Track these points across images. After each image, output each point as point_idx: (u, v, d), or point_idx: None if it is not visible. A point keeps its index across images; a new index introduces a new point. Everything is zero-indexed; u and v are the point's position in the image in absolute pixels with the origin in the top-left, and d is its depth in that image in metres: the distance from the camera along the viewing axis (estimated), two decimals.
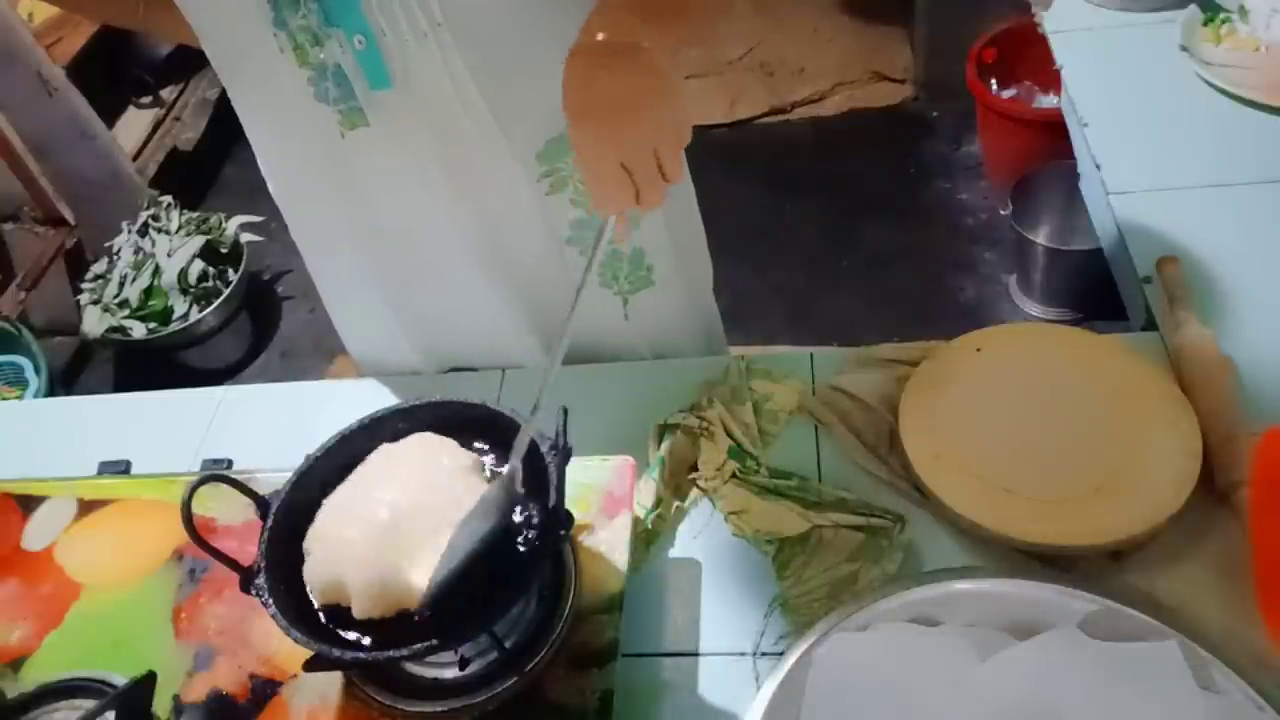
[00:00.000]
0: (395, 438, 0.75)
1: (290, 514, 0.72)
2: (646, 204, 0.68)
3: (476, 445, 0.76)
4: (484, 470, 0.74)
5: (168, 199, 2.52)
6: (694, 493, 0.88)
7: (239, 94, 0.89)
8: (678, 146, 0.68)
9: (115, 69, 2.86)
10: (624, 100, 0.66)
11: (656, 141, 0.66)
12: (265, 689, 0.76)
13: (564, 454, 0.69)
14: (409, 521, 0.68)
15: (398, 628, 0.66)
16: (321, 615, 0.68)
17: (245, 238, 2.49)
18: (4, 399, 2.10)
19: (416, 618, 0.65)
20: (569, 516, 0.68)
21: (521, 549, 0.67)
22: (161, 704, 0.76)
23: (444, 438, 0.75)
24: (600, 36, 0.67)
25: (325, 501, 0.72)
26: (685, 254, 1.06)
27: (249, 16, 0.78)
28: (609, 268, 1.00)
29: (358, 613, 0.66)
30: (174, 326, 2.35)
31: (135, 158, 2.73)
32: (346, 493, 0.72)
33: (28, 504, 0.94)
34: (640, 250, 0.99)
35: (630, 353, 1.07)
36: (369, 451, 0.74)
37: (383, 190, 0.90)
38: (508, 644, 0.71)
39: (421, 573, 0.65)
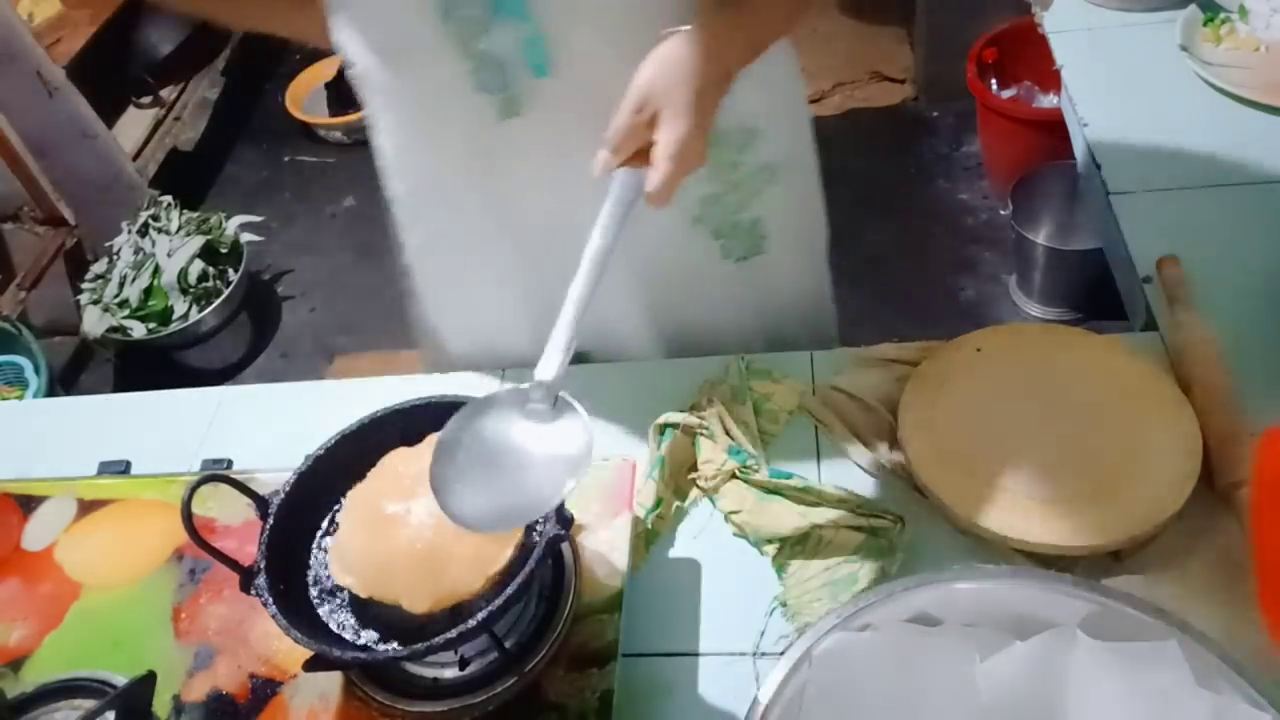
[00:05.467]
0: (403, 437, 0.74)
1: (290, 514, 0.72)
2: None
3: None
4: None
5: (168, 199, 2.52)
6: (694, 493, 0.88)
7: (392, 88, 0.88)
8: (680, 165, 0.71)
9: (115, 69, 2.86)
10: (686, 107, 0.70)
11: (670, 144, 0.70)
12: (265, 689, 0.76)
13: None
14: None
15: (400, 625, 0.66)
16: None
17: (245, 238, 2.49)
18: (4, 399, 2.10)
19: None
20: (569, 517, 0.68)
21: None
22: (161, 704, 0.76)
23: None
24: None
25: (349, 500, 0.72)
26: (802, 221, 1.06)
27: (416, 8, 0.79)
28: (721, 233, 1.00)
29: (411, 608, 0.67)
30: (174, 326, 2.35)
31: (135, 158, 2.73)
32: (371, 495, 0.72)
33: (28, 504, 0.94)
34: (757, 219, 1.00)
35: (737, 325, 1.07)
36: (369, 451, 0.74)
37: (528, 177, 0.91)
38: (508, 644, 0.72)
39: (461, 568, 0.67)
